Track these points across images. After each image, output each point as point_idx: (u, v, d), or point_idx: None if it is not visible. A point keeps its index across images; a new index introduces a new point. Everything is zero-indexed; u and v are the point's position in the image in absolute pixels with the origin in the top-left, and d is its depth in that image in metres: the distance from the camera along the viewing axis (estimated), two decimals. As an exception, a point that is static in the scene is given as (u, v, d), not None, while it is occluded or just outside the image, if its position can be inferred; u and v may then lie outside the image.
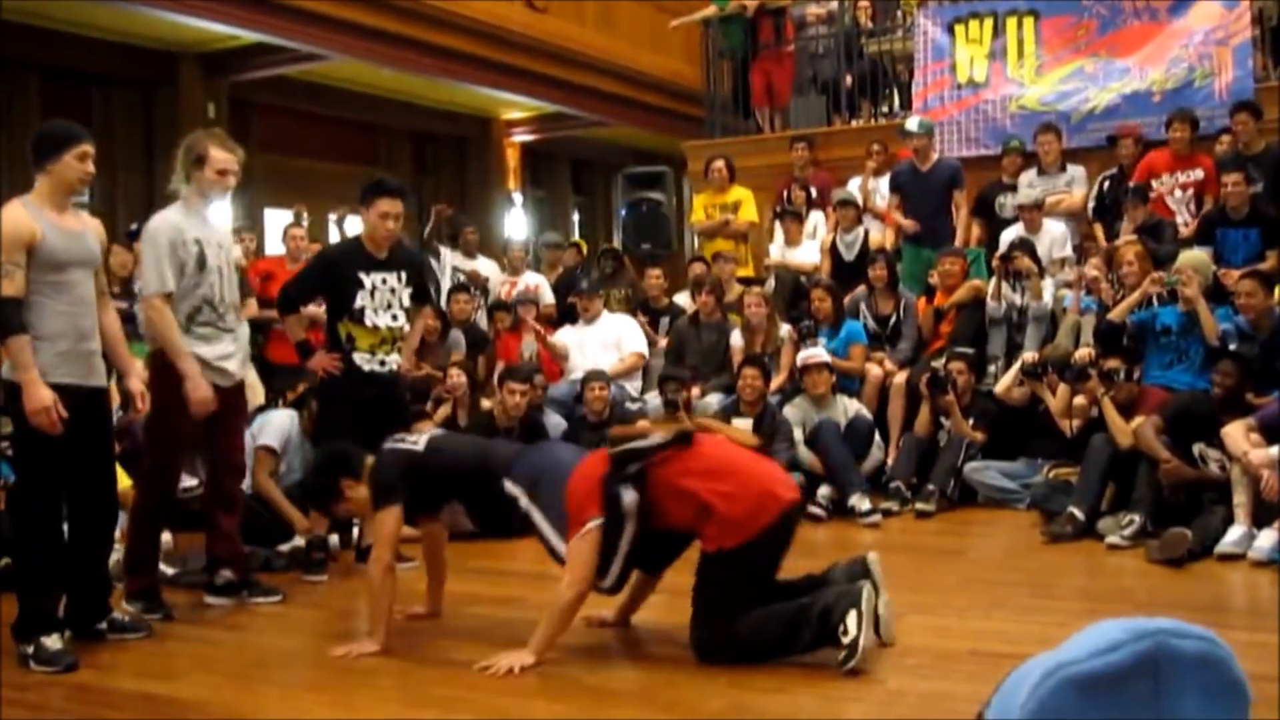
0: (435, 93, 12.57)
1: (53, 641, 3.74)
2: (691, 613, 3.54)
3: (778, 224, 8.95)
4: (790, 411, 6.65)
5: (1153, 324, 6.16)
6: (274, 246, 10.16)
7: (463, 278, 8.88)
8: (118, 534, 4.30)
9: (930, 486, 6.23)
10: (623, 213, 10.65)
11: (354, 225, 6.07)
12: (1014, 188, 8.36)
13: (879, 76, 10.53)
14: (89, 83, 10.46)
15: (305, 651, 4.00)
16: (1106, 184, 8.09)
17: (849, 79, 10.47)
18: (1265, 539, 4.72)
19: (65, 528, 4.00)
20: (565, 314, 8.58)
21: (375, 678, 3.55)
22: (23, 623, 3.79)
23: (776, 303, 7.84)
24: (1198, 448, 5.25)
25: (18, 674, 3.66)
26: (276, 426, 5.63)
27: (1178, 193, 7.68)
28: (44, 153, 3.82)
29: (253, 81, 11.08)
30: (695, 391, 7.03)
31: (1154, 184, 7.68)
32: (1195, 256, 6.50)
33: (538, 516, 3.64)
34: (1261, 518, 4.82)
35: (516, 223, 13.92)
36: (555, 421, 6.99)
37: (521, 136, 14.53)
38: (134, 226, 6.94)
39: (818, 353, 6.77)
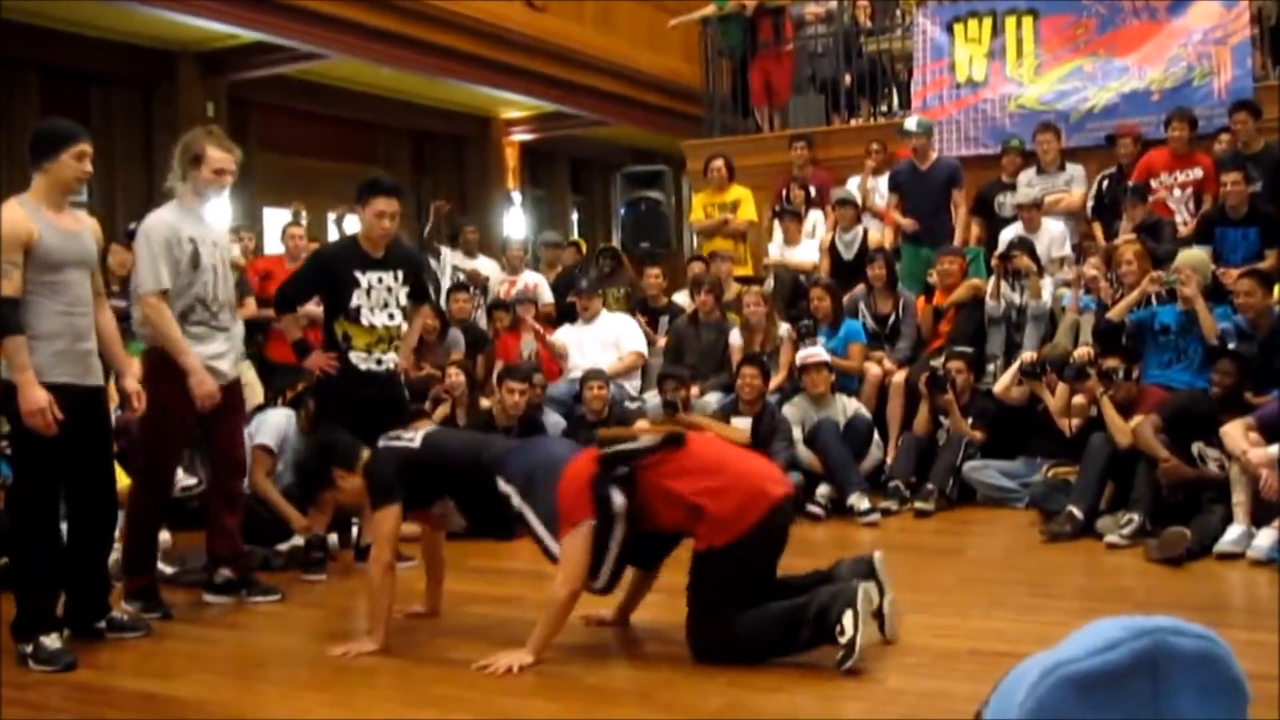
0: (434, 92, 12.56)
1: (52, 641, 3.74)
2: (687, 613, 3.54)
3: (777, 223, 8.95)
4: (789, 411, 6.64)
5: (1151, 323, 6.15)
6: (273, 245, 10.14)
7: (462, 277, 8.87)
8: (117, 533, 4.30)
9: (929, 485, 6.22)
10: (622, 212, 10.65)
11: (353, 224, 6.05)
12: (1013, 187, 8.36)
13: (878, 75, 10.51)
14: (88, 82, 10.44)
15: (304, 650, 3.99)
16: (1105, 183, 8.08)
17: (848, 78, 10.45)
18: (1264, 538, 4.72)
19: (64, 527, 4.00)
20: (564, 313, 8.57)
21: (374, 677, 3.55)
22: (22, 622, 3.79)
23: (775, 302, 7.85)
24: (1196, 447, 5.25)
25: (17, 673, 3.66)
26: (273, 426, 5.63)
27: (1177, 192, 7.68)
28: (41, 152, 3.81)
29: (252, 80, 11.06)
30: (694, 391, 7.03)
31: (1153, 183, 7.67)
32: (1194, 255, 6.50)
33: (530, 516, 3.64)
34: (1260, 517, 4.82)
35: (515, 222, 13.90)
36: (554, 420, 6.99)
37: (520, 135, 14.52)
38: (133, 226, 6.89)
39: (817, 352, 6.77)
